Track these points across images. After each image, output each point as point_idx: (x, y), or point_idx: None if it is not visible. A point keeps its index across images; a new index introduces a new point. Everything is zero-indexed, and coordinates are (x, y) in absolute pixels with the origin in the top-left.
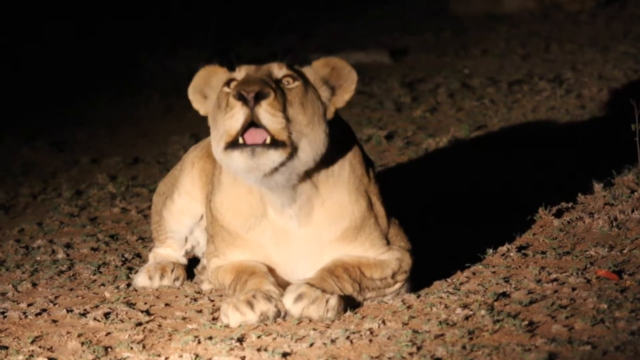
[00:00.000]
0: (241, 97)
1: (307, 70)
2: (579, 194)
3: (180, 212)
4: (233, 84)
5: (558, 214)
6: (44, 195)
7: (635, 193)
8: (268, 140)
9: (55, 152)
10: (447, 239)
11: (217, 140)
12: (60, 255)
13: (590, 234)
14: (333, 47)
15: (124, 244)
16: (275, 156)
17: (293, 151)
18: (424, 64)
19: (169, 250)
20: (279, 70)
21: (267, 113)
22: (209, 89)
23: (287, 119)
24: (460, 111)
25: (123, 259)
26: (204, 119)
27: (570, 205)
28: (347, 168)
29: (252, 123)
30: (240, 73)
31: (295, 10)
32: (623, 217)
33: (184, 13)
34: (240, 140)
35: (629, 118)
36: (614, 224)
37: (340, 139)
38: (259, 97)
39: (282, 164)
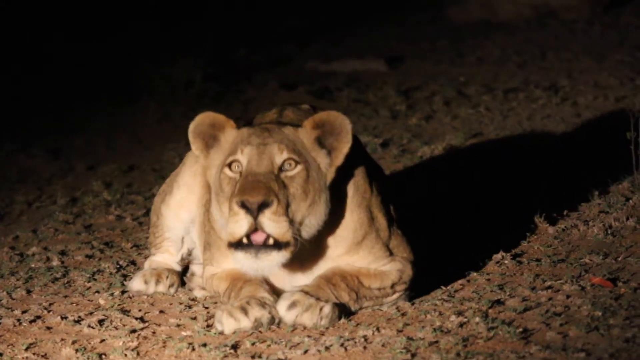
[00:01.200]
0: (244, 206)
1: (303, 134)
2: (574, 202)
3: (178, 205)
4: (235, 166)
5: (553, 222)
6: (39, 203)
7: (630, 201)
8: (271, 241)
9: (51, 159)
10: (442, 246)
11: (221, 222)
12: (55, 262)
13: (585, 242)
14: (330, 55)
15: (119, 251)
16: (279, 257)
17: (296, 243)
18: (420, 72)
19: (165, 255)
20: (279, 155)
21: (270, 222)
22: (214, 142)
23: (290, 220)
24: (456, 119)
25: (118, 266)
26: None
27: (565, 212)
28: (350, 187)
29: (256, 228)
30: (243, 156)
31: (293, 18)
32: (618, 224)
33: (182, 21)
34: (245, 240)
35: (624, 126)
36: (609, 232)
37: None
38: (262, 207)
39: (284, 263)
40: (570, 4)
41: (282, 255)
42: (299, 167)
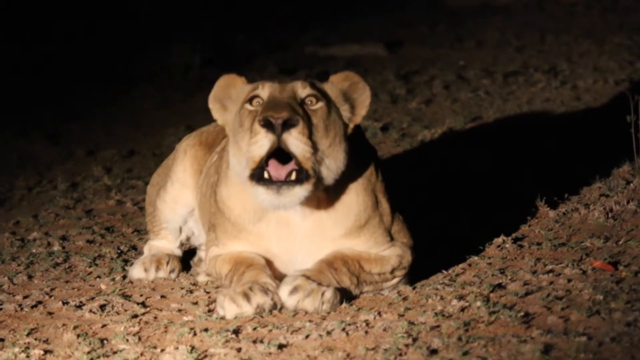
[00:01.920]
0: (267, 124)
1: (328, 87)
2: (575, 185)
3: (174, 201)
4: (256, 102)
5: (554, 205)
6: (39, 188)
7: (631, 184)
8: (293, 176)
9: (50, 145)
10: (443, 231)
11: (239, 160)
12: (56, 247)
13: (586, 225)
14: (329, 40)
15: (120, 236)
16: (301, 192)
17: (317, 181)
18: (419, 56)
19: (163, 242)
20: (302, 89)
21: (297, 141)
22: (227, 100)
23: (314, 147)
24: (456, 103)
25: (119, 251)
26: (199, 111)
27: (565, 196)
28: (356, 168)
29: (276, 149)
30: (264, 90)
31: (292, 2)
32: (619, 208)
33: (179, 6)
34: (266, 175)
35: (624, 109)
36: (610, 215)
37: (351, 140)
38: (287, 125)
39: (306, 197)
40: None
41: (305, 189)
42: (321, 103)
